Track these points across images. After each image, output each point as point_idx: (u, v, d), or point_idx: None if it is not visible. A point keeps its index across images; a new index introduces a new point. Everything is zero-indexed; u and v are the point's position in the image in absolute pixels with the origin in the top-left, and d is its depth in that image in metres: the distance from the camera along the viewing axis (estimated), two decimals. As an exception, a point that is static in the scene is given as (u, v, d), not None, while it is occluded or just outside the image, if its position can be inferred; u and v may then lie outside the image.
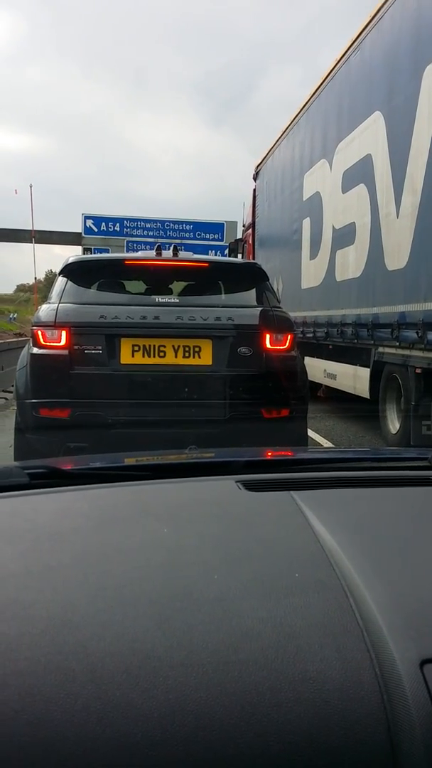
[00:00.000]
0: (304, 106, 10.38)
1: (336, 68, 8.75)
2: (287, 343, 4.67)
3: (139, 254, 5.91)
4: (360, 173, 7.73)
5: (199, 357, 4.53)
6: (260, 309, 4.75)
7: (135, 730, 0.60)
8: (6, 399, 10.56)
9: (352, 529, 0.98)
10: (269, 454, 1.83)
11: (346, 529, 0.97)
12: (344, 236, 8.35)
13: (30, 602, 0.77)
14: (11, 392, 10.30)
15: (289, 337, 4.69)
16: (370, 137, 7.42)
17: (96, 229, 30.83)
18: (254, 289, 4.98)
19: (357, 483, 1.24)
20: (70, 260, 4.99)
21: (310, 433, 6.87)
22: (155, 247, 5.23)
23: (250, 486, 1.14)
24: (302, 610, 0.76)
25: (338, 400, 9.39)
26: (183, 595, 0.79)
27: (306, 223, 10.28)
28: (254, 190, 14.36)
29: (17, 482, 1.17)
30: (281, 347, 4.65)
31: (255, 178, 14.24)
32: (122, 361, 4.46)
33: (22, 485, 1.16)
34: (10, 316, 42.72)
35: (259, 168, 13.90)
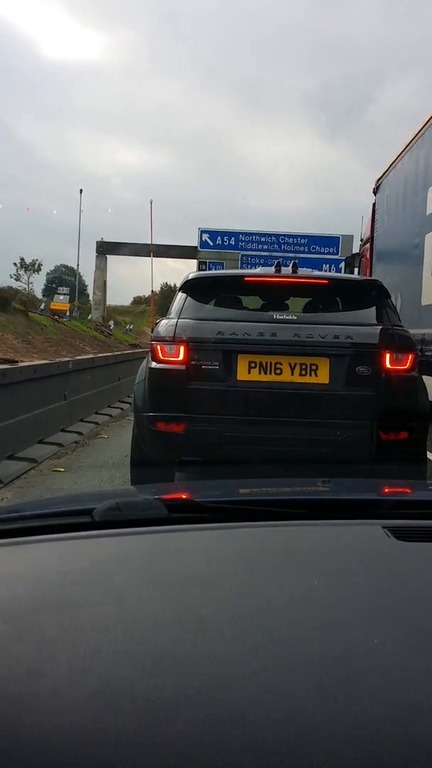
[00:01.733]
0: (430, 119, 10.07)
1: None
2: (408, 363, 4.50)
3: (258, 271, 5.87)
4: None
5: (316, 375, 4.44)
6: (380, 327, 4.60)
7: None
8: (122, 409, 10.85)
9: None
10: (413, 493, 1.71)
11: None
12: (469, 252, 8.01)
13: (184, 657, 0.73)
14: (128, 402, 10.59)
15: (410, 357, 4.51)
16: None
17: (211, 243, 31.21)
18: (374, 307, 4.81)
19: None
20: (190, 276, 5.03)
21: (429, 455, 6.60)
22: (275, 263, 5.19)
23: (400, 535, 1.06)
24: None
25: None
26: (343, 659, 0.73)
27: (428, 239, 9.93)
28: (374, 204, 14.07)
29: (158, 515, 1.14)
30: (402, 367, 4.48)
31: (375, 192, 13.95)
32: (238, 378, 4.44)
33: (162, 519, 1.13)
34: (126, 327, 44.15)
35: (379, 182, 13.61)
